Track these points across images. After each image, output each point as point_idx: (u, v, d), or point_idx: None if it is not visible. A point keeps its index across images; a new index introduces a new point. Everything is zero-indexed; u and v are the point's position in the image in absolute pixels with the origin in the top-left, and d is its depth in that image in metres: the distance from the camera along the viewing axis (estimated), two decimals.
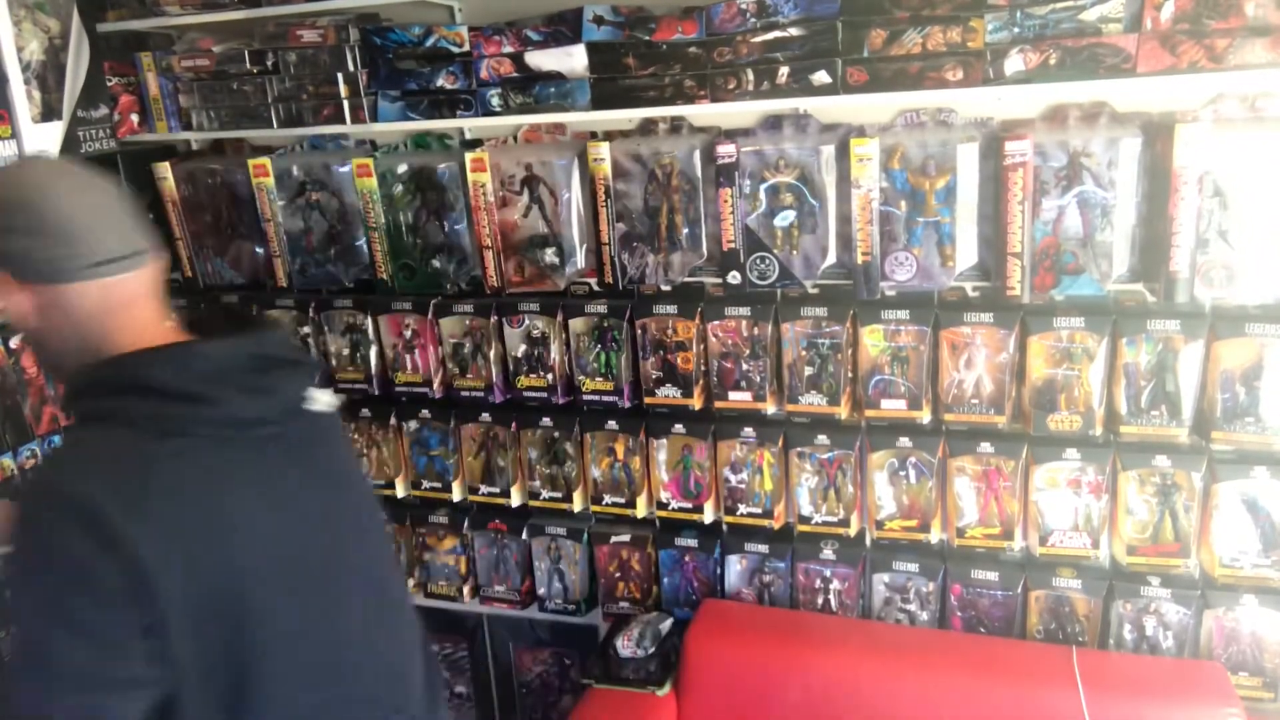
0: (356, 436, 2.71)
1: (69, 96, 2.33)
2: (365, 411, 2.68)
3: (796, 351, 2.20)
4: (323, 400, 1.34)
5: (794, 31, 1.97)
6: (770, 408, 2.26)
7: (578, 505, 2.52)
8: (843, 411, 2.19)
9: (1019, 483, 2.13)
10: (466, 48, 2.21)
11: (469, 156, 2.26)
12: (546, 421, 2.49)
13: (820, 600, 2.38)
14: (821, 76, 1.97)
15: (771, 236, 2.11)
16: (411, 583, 2.79)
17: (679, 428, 2.36)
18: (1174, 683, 1.98)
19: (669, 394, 2.31)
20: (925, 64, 1.90)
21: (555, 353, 2.40)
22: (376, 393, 2.61)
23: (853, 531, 2.29)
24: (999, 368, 2.07)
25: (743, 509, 2.35)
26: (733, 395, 2.26)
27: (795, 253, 2.10)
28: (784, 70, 1.99)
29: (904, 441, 2.19)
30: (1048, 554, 2.14)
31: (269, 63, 2.39)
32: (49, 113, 2.29)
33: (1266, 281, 1.83)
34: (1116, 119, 1.93)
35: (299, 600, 1.20)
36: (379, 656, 1.33)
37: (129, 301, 1.21)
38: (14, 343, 2.25)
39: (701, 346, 2.29)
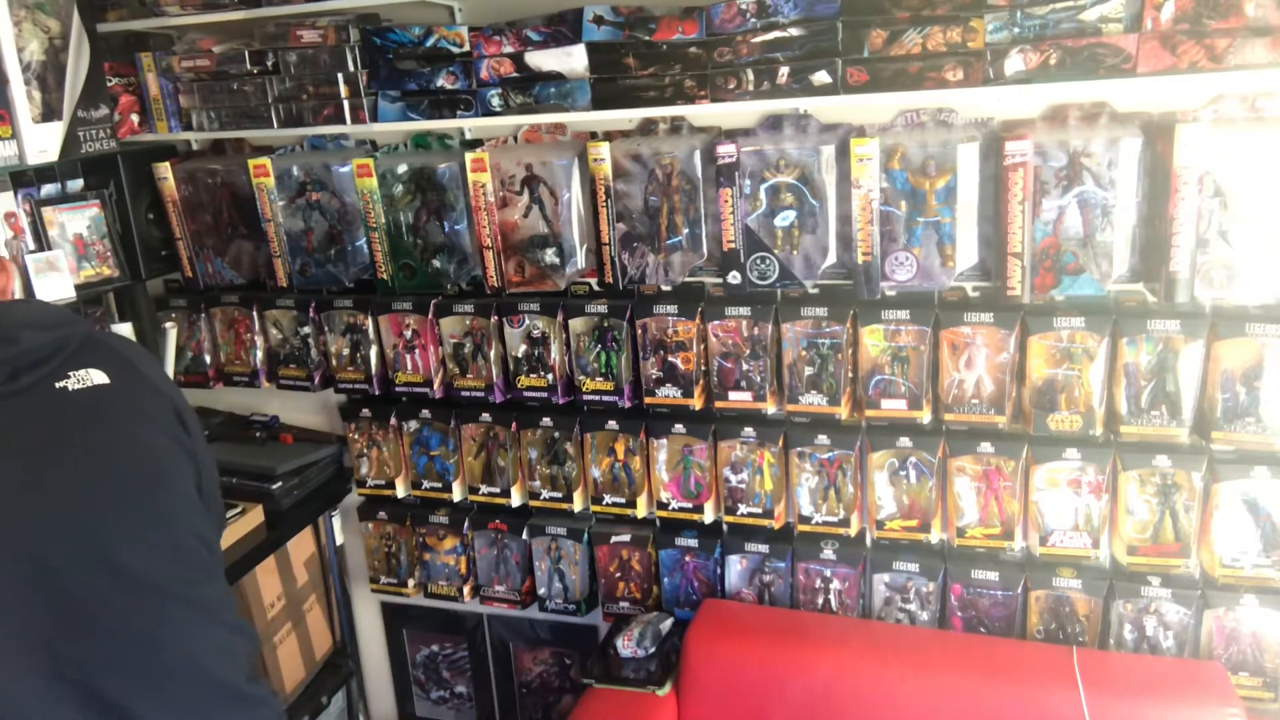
0: (357, 437, 2.72)
1: (69, 96, 2.32)
2: (365, 411, 2.68)
3: (796, 351, 2.20)
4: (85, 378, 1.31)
5: (794, 31, 1.97)
6: (770, 408, 2.26)
7: (578, 505, 2.52)
8: (843, 411, 2.19)
9: (1019, 483, 2.13)
10: (466, 48, 2.21)
11: (469, 156, 2.26)
12: (547, 421, 2.49)
13: (820, 600, 2.38)
14: (821, 76, 1.97)
15: (772, 236, 2.11)
16: (412, 583, 2.80)
17: (679, 428, 2.36)
18: (1174, 683, 1.98)
19: (669, 394, 2.31)
20: (925, 64, 1.90)
21: (555, 353, 2.40)
22: (376, 393, 2.62)
23: (853, 531, 2.29)
24: (999, 368, 2.07)
25: (743, 509, 2.35)
26: (733, 395, 2.26)
27: (795, 253, 2.10)
28: (784, 70, 1.99)
29: (904, 441, 2.19)
30: (1048, 554, 2.14)
31: (269, 63, 2.39)
32: (49, 113, 2.29)
33: (1266, 281, 1.83)
34: (1116, 119, 1.93)
35: None
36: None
37: None
38: None
39: (702, 346, 2.29)
